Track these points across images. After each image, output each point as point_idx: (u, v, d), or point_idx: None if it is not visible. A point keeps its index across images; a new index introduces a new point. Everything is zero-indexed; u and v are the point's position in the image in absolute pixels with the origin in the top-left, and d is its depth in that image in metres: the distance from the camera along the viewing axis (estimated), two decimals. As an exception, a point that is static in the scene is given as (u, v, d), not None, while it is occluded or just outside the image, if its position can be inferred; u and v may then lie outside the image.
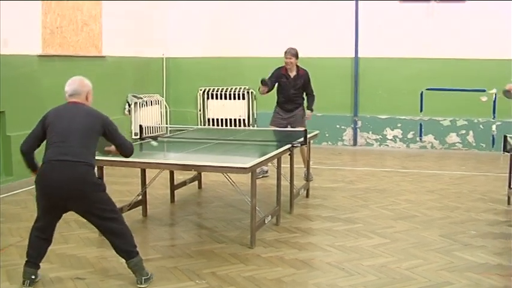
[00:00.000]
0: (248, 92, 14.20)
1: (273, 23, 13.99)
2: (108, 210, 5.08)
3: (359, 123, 13.95)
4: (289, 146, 7.32)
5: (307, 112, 9.85)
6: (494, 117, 13.35)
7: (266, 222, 6.73)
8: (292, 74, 9.70)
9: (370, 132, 13.95)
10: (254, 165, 6.01)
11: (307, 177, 9.13)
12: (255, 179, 6.16)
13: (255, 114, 14.29)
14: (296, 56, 9.62)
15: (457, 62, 13.36)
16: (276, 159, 7.06)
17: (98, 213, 5.03)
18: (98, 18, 11.74)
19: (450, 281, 5.40)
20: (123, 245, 5.12)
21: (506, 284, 5.36)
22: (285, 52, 9.61)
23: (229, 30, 14.32)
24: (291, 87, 9.73)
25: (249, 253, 6.11)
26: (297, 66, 9.71)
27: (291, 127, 9.74)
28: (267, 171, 9.89)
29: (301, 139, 7.68)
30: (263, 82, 9.47)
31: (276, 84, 9.81)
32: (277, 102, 9.97)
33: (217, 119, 14.48)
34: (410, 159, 12.34)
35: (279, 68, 9.79)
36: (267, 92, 9.66)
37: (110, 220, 5.08)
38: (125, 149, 5.45)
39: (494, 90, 13.24)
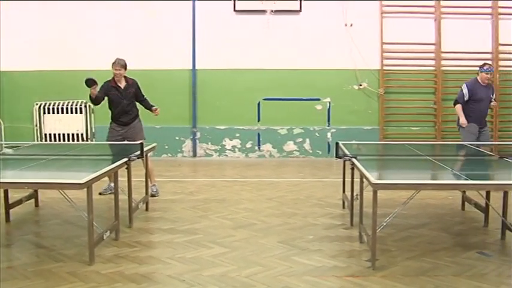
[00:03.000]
0: (86, 106, 13.91)
1: (110, 36, 13.82)
2: None
3: (198, 134, 14.03)
4: (125, 159, 7.24)
5: (154, 108, 9.75)
6: (328, 124, 13.88)
7: (105, 237, 6.61)
8: (122, 85, 9.55)
9: (209, 143, 14.06)
10: (89, 180, 5.88)
11: (152, 193, 9.13)
12: (91, 194, 6.03)
13: (93, 129, 14.03)
14: (125, 67, 9.46)
15: (293, 72, 13.79)
16: (113, 174, 6.98)
17: None
18: None
19: (289, 285, 5.53)
20: None
21: (342, 284, 5.56)
22: (114, 63, 9.41)
23: (65, 43, 13.96)
24: (123, 98, 9.55)
25: (88, 270, 5.96)
26: (125, 77, 9.57)
27: (129, 141, 9.56)
28: None
29: (138, 152, 7.62)
30: (89, 81, 9.05)
31: (107, 99, 9.61)
32: (112, 118, 9.73)
33: (54, 134, 14.09)
34: (250, 168, 12.56)
35: (108, 81, 9.58)
36: (98, 100, 9.43)
37: None
38: None
39: (328, 99, 13.73)
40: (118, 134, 9.66)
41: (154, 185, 9.76)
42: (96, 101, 9.37)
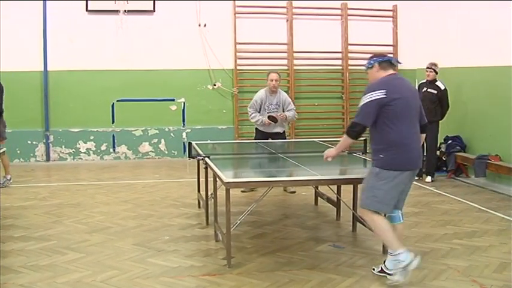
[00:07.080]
0: None
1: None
2: None
3: (51, 137, 13.68)
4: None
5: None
6: (184, 125, 13.90)
7: (-48, 249, 6.36)
8: None
9: (63, 146, 13.74)
10: None
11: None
12: None
13: None
14: None
15: (147, 73, 13.73)
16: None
17: None
18: None
19: (145, 288, 5.52)
20: None
21: (198, 283, 5.62)
22: None
23: None
24: None
25: None
26: None
27: None
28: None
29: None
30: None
31: None
32: None
33: None
34: (105, 171, 12.41)
35: None
36: None
37: None
38: None
39: (182, 99, 13.76)
40: None
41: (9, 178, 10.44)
42: None
